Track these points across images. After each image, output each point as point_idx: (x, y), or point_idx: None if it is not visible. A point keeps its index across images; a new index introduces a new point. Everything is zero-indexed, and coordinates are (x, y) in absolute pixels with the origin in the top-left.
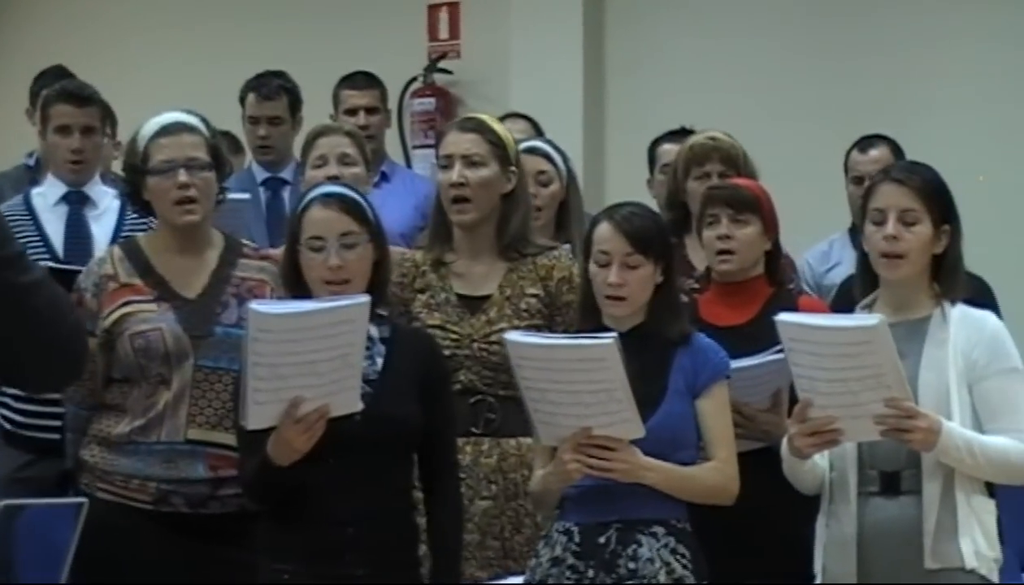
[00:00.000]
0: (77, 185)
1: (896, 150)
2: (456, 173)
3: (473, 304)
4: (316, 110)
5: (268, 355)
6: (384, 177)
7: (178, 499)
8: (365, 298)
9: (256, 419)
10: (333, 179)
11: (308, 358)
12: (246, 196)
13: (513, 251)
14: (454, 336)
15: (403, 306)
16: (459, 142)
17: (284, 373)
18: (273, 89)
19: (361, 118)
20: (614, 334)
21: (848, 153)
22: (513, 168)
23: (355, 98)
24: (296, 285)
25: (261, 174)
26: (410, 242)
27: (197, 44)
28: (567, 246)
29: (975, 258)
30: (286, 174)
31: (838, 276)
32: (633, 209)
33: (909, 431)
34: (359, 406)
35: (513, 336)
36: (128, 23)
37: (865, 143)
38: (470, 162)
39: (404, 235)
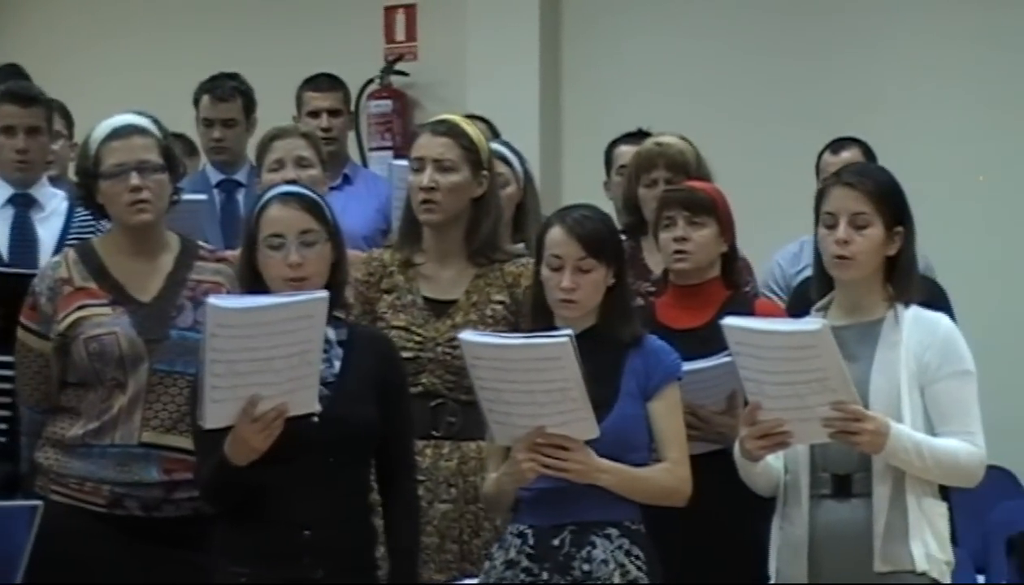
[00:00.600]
0: (23, 186)
1: (867, 152)
2: (427, 177)
3: (439, 308)
4: (272, 112)
5: (226, 351)
6: (347, 179)
7: (132, 502)
8: (324, 293)
9: (214, 418)
10: (290, 182)
11: (266, 355)
12: (202, 197)
13: (482, 256)
14: (418, 338)
15: (368, 305)
16: (431, 146)
17: (241, 370)
18: (227, 91)
19: (324, 120)
20: (569, 332)
21: (820, 155)
22: (485, 172)
23: (318, 100)
24: (252, 284)
25: (215, 176)
26: (373, 245)
27: (153, 47)
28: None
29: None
30: (240, 176)
31: None
32: (585, 212)
33: (856, 433)
34: (316, 406)
35: (467, 336)
36: (86, 27)
37: (836, 145)
38: (441, 167)
39: (367, 238)
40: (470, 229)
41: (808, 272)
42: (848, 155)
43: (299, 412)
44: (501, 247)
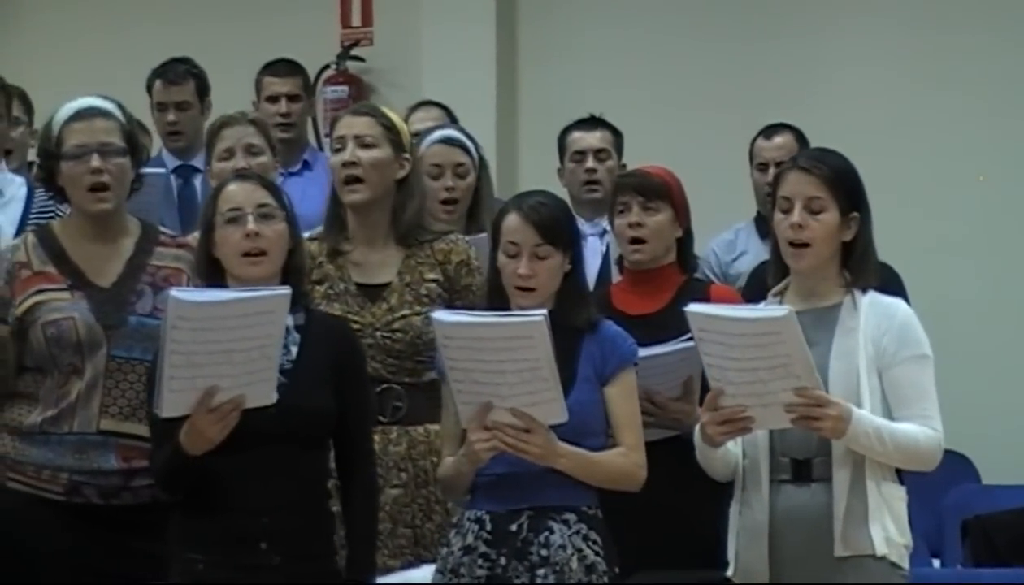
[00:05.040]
0: None
1: (800, 137)
2: (349, 153)
3: (372, 292)
4: (229, 98)
5: (185, 343)
6: (306, 165)
7: (90, 490)
8: (286, 290)
9: (170, 407)
10: (241, 170)
11: (225, 348)
12: (161, 171)
13: (410, 238)
14: (356, 325)
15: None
16: (352, 124)
17: (200, 361)
18: (179, 74)
19: (283, 105)
20: (543, 311)
21: (753, 141)
22: (407, 155)
23: (276, 85)
24: (211, 273)
25: (172, 162)
26: None
27: (109, 35)
28: (483, 235)
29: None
30: (197, 162)
31: (744, 265)
32: (540, 198)
33: (819, 419)
34: (274, 398)
35: (440, 315)
36: (42, 17)
37: (769, 130)
38: (363, 143)
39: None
40: (396, 212)
41: (743, 260)
42: (781, 140)
43: (256, 404)
44: (426, 228)
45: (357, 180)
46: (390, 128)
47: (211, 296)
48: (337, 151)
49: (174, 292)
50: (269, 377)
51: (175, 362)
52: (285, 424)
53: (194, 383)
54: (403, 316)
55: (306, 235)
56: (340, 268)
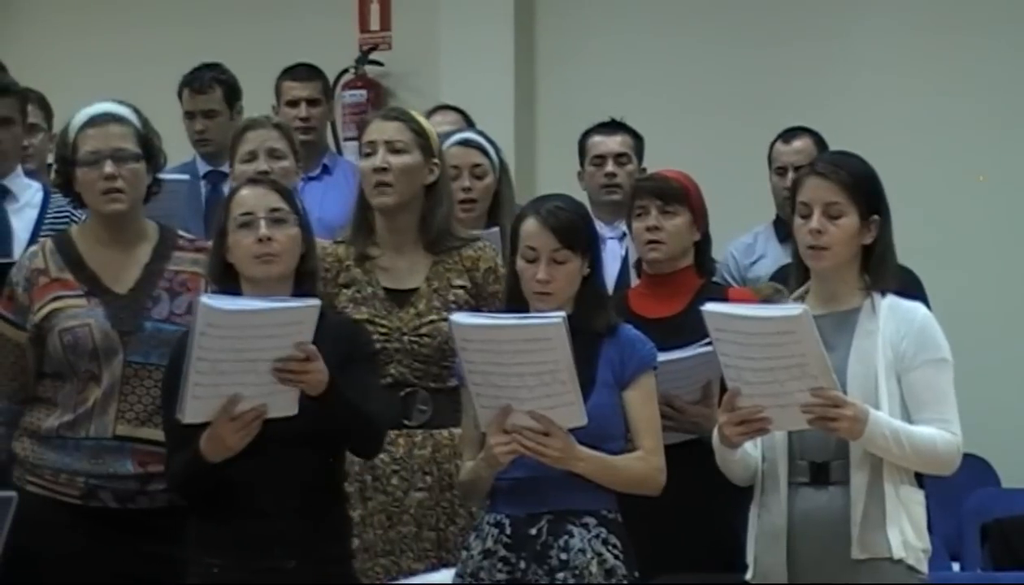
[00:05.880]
0: None
1: (819, 141)
2: (380, 158)
3: (400, 297)
4: (247, 101)
5: (212, 350)
6: (326, 169)
7: (106, 494)
8: (315, 301)
9: (192, 413)
10: (262, 174)
11: (252, 356)
12: (184, 177)
13: (438, 244)
14: (383, 330)
15: (326, 300)
16: (383, 129)
17: (225, 369)
18: (206, 82)
19: (302, 110)
20: (562, 313)
21: (772, 145)
22: (436, 160)
23: (296, 90)
24: (223, 278)
25: (203, 167)
26: None
27: (130, 40)
28: (495, 229)
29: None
30: (227, 167)
31: (762, 269)
32: (559, 203)
33: (835, 419)
34: (295, 410)
35: (458, 317)
36: (64, 23)
37: (788, 134)
38: (393, 149)
39: (345, 228)
40: (424, 218)
41: (762, 263)
42: (800, 144)
43: (278, 414)
44: (455, 234)
45: (386, 185)
46: (420, 133)
47: (241, 304)
48: (367, 156)
49: (204, 299)
50: (292, 389)
51: (201, 369)
52: (299, 428)
53: (218, 390)
54: (431, 321)
55: (328, 239)
56: (368, 272)
